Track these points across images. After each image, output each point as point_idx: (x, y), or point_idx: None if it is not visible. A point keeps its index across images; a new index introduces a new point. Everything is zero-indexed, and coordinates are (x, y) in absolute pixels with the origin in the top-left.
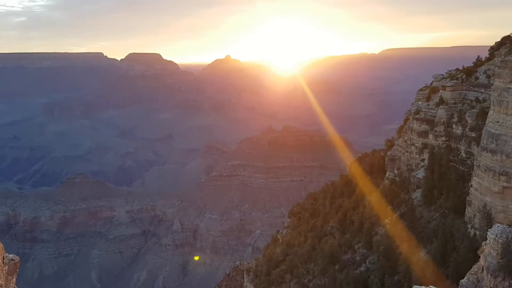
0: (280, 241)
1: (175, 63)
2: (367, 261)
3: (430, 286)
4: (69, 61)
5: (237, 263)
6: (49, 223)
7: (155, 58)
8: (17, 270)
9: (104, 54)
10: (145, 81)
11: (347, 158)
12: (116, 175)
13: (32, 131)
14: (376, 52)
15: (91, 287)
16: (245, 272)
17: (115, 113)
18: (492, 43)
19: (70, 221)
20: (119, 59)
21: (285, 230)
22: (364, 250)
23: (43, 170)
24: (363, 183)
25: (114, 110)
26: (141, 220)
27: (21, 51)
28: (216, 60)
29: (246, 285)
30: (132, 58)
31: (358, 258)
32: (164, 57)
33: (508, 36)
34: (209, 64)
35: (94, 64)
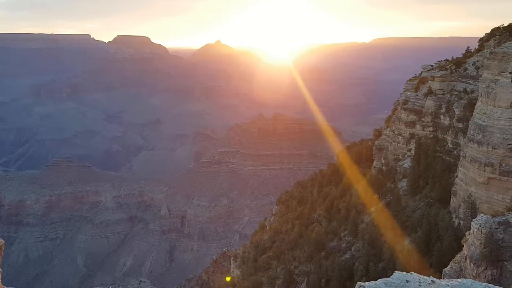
0: (267, 228)
1: (164, 47)
2: (353, 249)
3: (411, 272)
4: (56, 43)
5: (224, 249)
6: (35, 207)
7: (144, 41)
8: (2, 253)
9: (92, 36)
10: (134, 65)
11: (336, 147)
12: (103, 159)
13: (18, 113)
14: (367, 41)
15: (77, 271)
16: (232, 258)
17: (103, 96)
18: (482, 34)
19: (56, 205)
20: (107, 41)
21: (272, 217)
22: (350, 238)
23: (29, 153)
24: (351, 172)
25: (101, 93)
26: (128, 206)
27: (7, 31)
28: (206, 45)
29: (233, 271)
30: (120, 40)
31: (343, 245)
32: (153, 41)
33: (498, 27)
34: (199, 49)
35: (82, 46)
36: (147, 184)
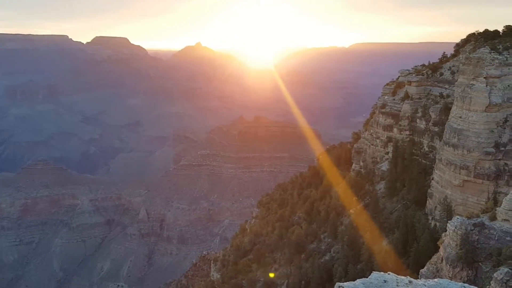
0: (248, 231)
1: (143, 48)
2: (332, 250)
3: (389, 272)
4: (33, 43)
5: (204, 252)
6: (10, 210)
7: (123, 42)
8: None
9: (70, 37)
10: (112, 66)
11: (316, 150)
12: (80, 162)
13: None
14: (346, 46)
15: (53, 275)
16: (212, 261)
17: (80, 98)
18: (458, 40)
19: (32, 208)
20: (85, 42)
21: (253, 220)
22: (329, 240)
23: (4, 155)
24: (330, 174)
25: (78, 94)
26: (105, 209)
27: None
28: (186, 47)
29: (213, 275)
30: (99, 41)
31: (323, 247)
32: (132, 42)
33: (473, 33)
34: (179, 51)
35: (59, 47)
36: (125, 187)
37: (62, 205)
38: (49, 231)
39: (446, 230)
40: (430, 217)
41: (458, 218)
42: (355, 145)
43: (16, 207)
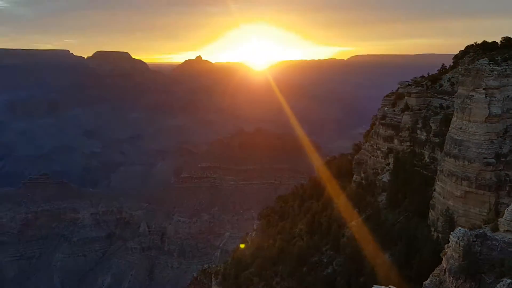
0: (249, 243)
1: (144, 63)
2: (334, 263)
3: (389, 286)
4: (34, 58)
5: (205, 266)
6: (10, 225)
7: (124, 56)
8: None
9: (71, 52)
10: (113, 80)
11: (316, 161)
12: (81, 176)
13: None
14: (345, 58)
15: None
16: (213, 275)
17: (81, 112)
18: (456, 51)
19: (32, 222)
20: (86, 57)
21: (254, 232)
22: (331, 252)
23: (5, 169)
24: (331, 186)
25: (80, 108)
26: (106, 223)
27: None
28: (186, 61)
29: None
30: (100, 56)
31: (325, 260)
32: (133, 56)
33: (472, 45)
34: (179, 65)
35: (60, 61)
36: (126, 201)
37: (63, 219)
38: (49, 245)
39: (448, 242)
40: (432, 229)
41: (460, 230)
42: (355, 156)
43: (17, 221)
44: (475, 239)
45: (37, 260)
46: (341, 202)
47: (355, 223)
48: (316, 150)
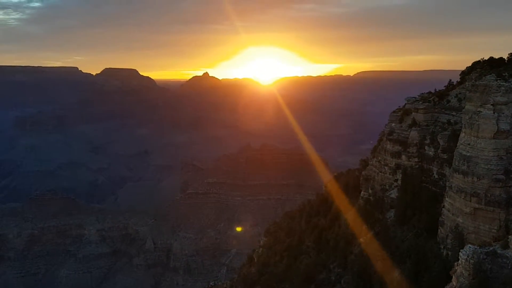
0: (255, 260)
1: (152, 79)
2: (342, 281)
3: None
4: (43, 75)
5: (211, 283)
6: (16, 241)
7: (132, 73)
8: None
9: (79, 69)
10: (121, 97)
11: (323, 177)
12: (88, 191)
13: (2, 144)
14: (351, 74)
15: None
16: None
17: (89, 128)
18: (463, 67)
19: (38, 239)
20: (94, 73)
21: (260, 249)
22: (339, 270)
23: (12, 185)
24: (339, 202)
25: (88, 124)
26: (112, 239)
27: None
28: (194, 77)
29: None
30: (108, 73)
31: (333, 278)
32: (141, 73)
33: (478, 61)
34: (187, 81)
35: (69, 78)
36: (132, 216)
37: (69, 235)
38: (55, 261)
39: (458, 259)
40: (442, 246)
41: (470, 247)
42: (363, 172)
43: (23, 237)
44: (485, 257)
45: (42, 276)
46: (349, 219)
47: (363, 240)
48: (323, 166)
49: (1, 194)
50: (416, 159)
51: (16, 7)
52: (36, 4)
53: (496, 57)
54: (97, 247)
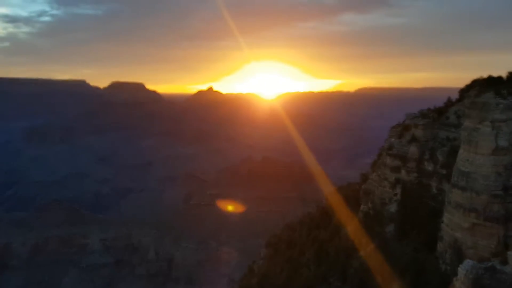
0: (256, 271)
1: (158, 93)
2: None
3: None
4: (51, 87)
5: None
6: (21, 250)
7: (138, 87)
8: None
9: (87, 82)
10: (127, 109)
11: (324, 190)
12: (93, 202)
13: (9, 155)
14: (352, 90)
15: None
16: None
17: (95, 139)
18: (462, 85)
19: (42, 248)
20: (102, 87)
21: (261, 261)
22: (339, 283)
23: (17, 195)
24: (339, 215)
25: (94, 136)
26: (115, 249)
27: (3, 76)
28: (198, 91)
29: None
30: (115, 86)
31: None
32: (148, 87)
33: (477, 79)
34: (192, 95)
35: (77, 90)
36: (135, 227)
37: (73, 245)
38: (59, 271)
39: (456, 274)
40: (440, 261)
41: (469, 262)
42: (363, 186)
43: (27, 247)
44: (484, 272)
45: (46, 285)
46: (349, 232)
47: (363, 253)
48: (324, 179)
49: (7, 203)
50: (415, 174)
51: (26, 20)
52: (46, 19)
53: (495, 76)
54: (100, 256)
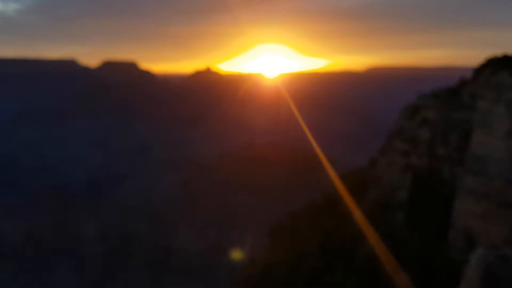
0: (258, 261)
1: (152, 73)
2: (348, 283)
3: None
4: (40, 67)
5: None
6: (12, 238)
7: (131, 66)
8: None
9: (78, 60)
10: (120, 90)
11: (330, 176)
12: (86, 188)
13: None
14: (361, 70)
15: None
16: None
17: (87, 123)
18: (475, 63)
19: (35, 236)
20: (93, 66)
21: (263, 250)
22: (345, 272)
23: (8, 181)
24: (345, 202)
25: (86, 119)
26: (110, 237)
27: None
28: (196, 72)
29: None
30: (107, 65)
31: (339, 280)
32: (141, 65)
33: (492, 58)
34: (189, 75)
35: (67, 70)
36: (130, 214)
37: (66, 233)
38: (52, 259)
39: (467, 262)
40: (451, 249)
41: (480, 250)
42: (371, 172)
43: (19, 234)
44: (495, 260)
45: (38, 274)
46: (356, 219)
47: (370, 242)
48: (330, 164)
49: None
50: (426, 159)
51: None
52: None
53: (511, 54)
54: (95, 245)
